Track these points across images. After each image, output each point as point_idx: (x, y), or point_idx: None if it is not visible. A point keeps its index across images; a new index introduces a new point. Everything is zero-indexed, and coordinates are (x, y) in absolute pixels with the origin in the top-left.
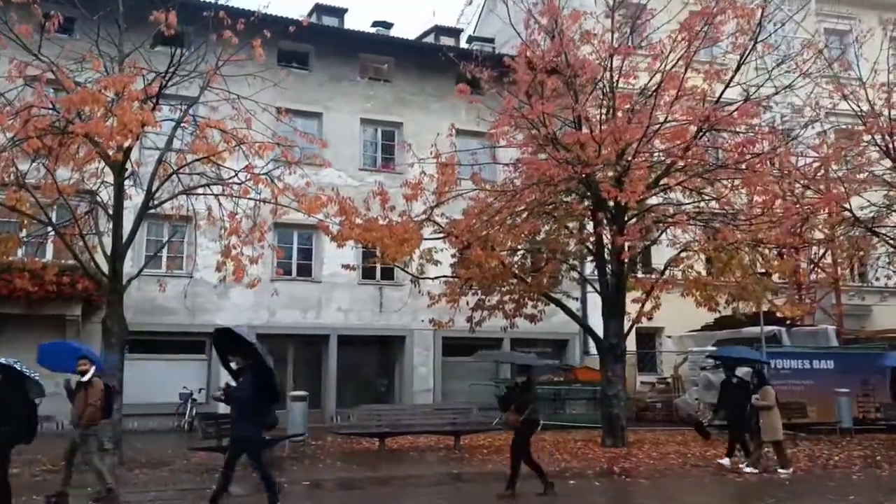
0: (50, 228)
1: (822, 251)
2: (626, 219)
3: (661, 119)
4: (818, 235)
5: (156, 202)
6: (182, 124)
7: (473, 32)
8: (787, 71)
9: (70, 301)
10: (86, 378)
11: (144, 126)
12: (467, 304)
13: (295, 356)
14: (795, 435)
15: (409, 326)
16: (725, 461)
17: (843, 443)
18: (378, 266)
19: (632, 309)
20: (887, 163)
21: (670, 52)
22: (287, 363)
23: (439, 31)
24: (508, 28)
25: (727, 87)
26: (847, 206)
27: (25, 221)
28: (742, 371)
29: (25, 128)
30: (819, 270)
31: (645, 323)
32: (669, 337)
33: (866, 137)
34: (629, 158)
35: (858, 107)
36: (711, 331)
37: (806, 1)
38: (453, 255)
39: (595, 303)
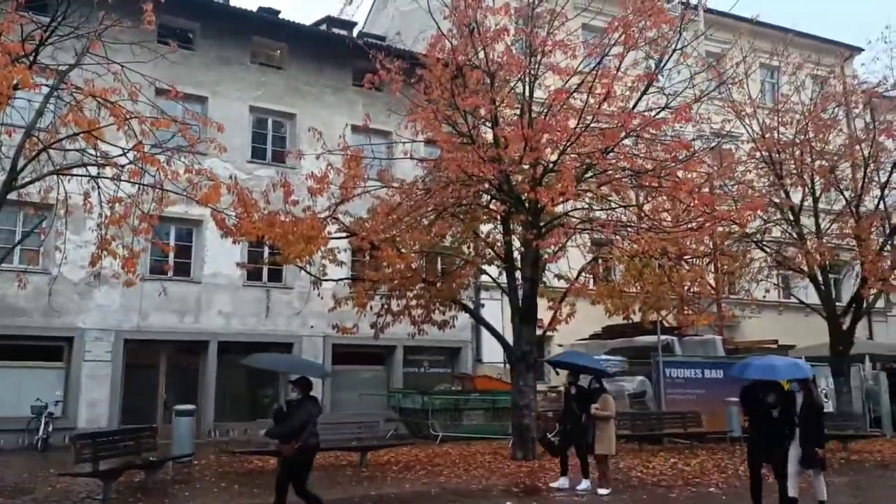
0: None
1: (705, 262)
2: (541, 223)
3: (588, 120)
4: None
5: (19, 184)
6: (56, 93)
7: (363, 28)
8: (688, 87)
9: None
10: None
11: (17, 88)
12: (371, 308)
13: (169, 364)
14: (692, 444)
15: (297, 333)
16: (561, 482)
17: (717, 453)
18: (265, 267)
19: (543, 316)
20: (766, 179)
21: (591, 52)
22: (159, 372)
23: (332, 22)
24: (399, 26)
25: (644, 92)
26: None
27: None
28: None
29: None
30: (701, 282)
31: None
32: (560, 346)
33: (757, 154)
34: (552, 159)
35: (750, 126)
36: (601, 339)
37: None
38: (354, 257)
39: (491, 310)
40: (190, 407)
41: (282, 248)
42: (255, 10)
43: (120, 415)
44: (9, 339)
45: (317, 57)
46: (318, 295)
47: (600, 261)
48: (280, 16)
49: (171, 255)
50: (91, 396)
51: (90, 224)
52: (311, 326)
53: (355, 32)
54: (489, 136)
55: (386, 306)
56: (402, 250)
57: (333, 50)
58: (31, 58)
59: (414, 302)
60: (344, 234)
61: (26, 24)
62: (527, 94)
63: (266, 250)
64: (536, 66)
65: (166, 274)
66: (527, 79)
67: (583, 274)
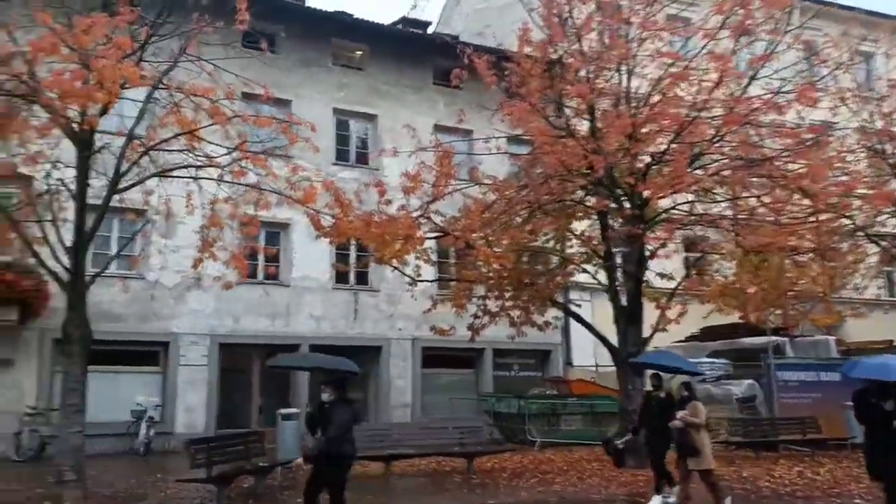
0: None
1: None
2: (645, 218)
3: (698, 106)
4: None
5: (122, 186)
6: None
7: (436, 29)
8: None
9: (4, 304)
10: None
11: (125, 85)
12: (466, 310)
13: (262, 367)
14: (812, 452)
15: (385, 335)
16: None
17: (842, 461)
18: (352, 270)
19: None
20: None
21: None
22: (252, 376)
23: (407, 22)
24: (474, 23)
25: (754, 77)
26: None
27: None
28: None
29: None
30: (818, 278)
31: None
32: (656, 349)
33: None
34: (659, 149)
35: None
36: (700, 341)
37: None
38: (440, 258)
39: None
40: (295, 411)
41: (377, 249)
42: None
43: (216, 419)
44: (107, 344)
45: (396, 57)
46: (412, 296)
47: (705, 258)
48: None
49: (261, 258)
50: (188, 401)
51: (182, 229)
52: (400, 329)
53: (430, 32)
54: (583, 129)
55: (483, 307)
56: (497, 249)
57: (413, 49)
58: (138, 55)
59: (511, 303)
60: (437, 234)
61: (133, 22)
62: (625, 82)
63: (353, 253)
64: (635, 54)
65: (266, 276)
66: (625, 67)
67: (688, 272)
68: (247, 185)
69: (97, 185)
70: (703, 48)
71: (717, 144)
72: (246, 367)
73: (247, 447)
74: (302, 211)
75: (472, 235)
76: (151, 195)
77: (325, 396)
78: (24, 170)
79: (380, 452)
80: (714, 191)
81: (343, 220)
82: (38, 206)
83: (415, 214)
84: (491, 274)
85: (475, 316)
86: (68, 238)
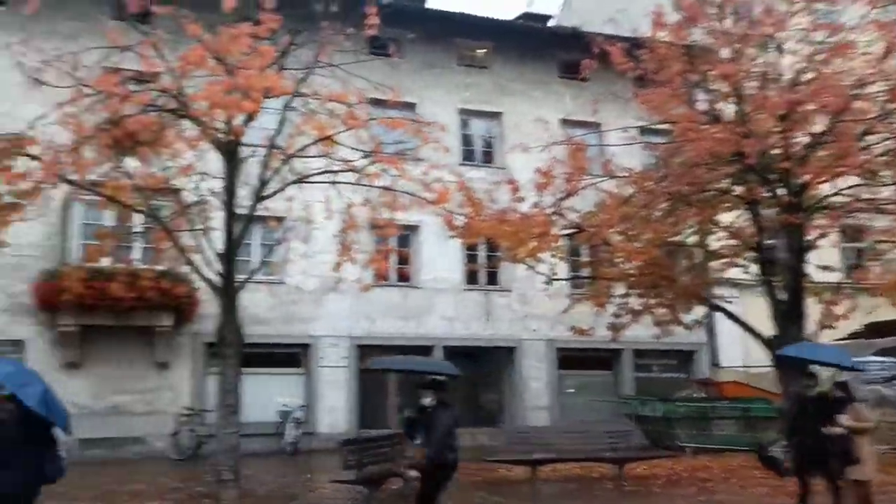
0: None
1: None
2: (803, 205)
3: (863, 84)
4: None
5: (266, 193)
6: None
7: (556, 22)
8: None
9: (160, 311)
10: None
11: (268, 94)
12: (605, 309)
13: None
14: None
15: (518, 336)
16: None
17: None
18: (482, 270)
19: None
20: None
21: None
22: (389, 375)
23: (528, 17)
24: (595, 15)
25: None
26: None
27: (123, 216)
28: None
29: (122, 104)
30: None
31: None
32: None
33: None
34: (817, 130)
35: None
36: (864, 338)
37: None
38: (572, 255)
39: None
40: None
41: (510, 247)
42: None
43: (358, 420)
44: (254, 346)
45: (520, 53)
46: (547, 296)
47: (873, 247)
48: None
49: (394, 260)
50: (330, 401)
51: (318, 234)
52: (534, 330)
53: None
54: (729, 113)
55: (625, 306)
56: (637, 245)
57: (536, 44)
58: (279, 64)
59: (654, 301)
60: (572, 230)
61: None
62: (774, 60)
63: (483, 252)
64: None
65: (399, 279)
66: (774, 43)
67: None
68: (382, 188)
69: (239, 195)
70: (865, 17)
71: (885, 121)
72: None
73: (393, 448)
74: (432, 212)
75: (609, 231)
76: (292, 201)
77: (426, 400)
78: (175, 182)
79: (526, 456)
80: (881, 173)
81: (476, 219)
82: (189, 216)
83: (548, 211)
84: (633, 271)
85: (616, 315)
86: (217, 246)
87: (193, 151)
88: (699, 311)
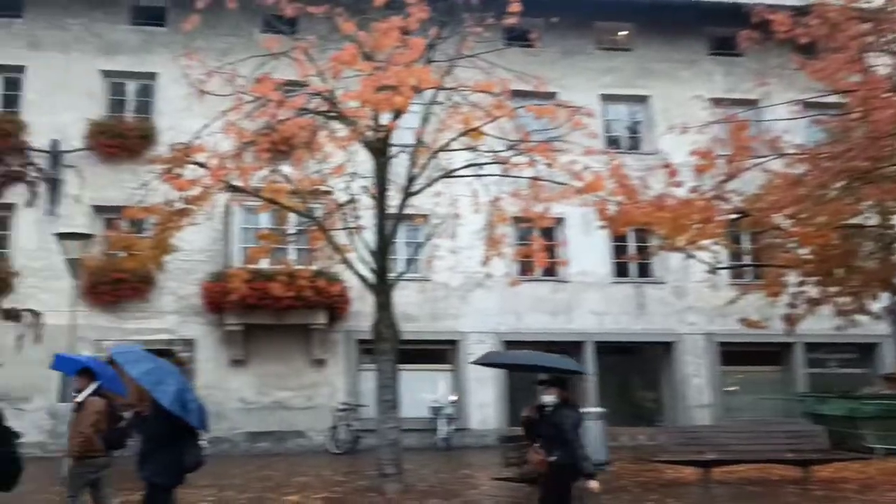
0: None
1: None
2: None
3: None
4: None
5: (413, 190)
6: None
7: None
8: None
9: (315, 309)
10: (80, 398)
11: (417, 89)
12: (770, 301)
13: None
14: None
15: (675, 330)
16: None
17: None
18: (634, 261)
19: None
20: None
21: None
22: (538, 374)
23: None
24: None
25: None
26: None
27: (280, 218)
28: None
29: (277, 110)
30: None
31: None
32: None
33: None
34: None
35: None
36: None
37: None
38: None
39: None
40: (599, 410)
41: (668, 235)
42: None
43: (509, 416)
44: (403, 343)
45: (665, 32)
46: (707, 286)
47: None
48: None
49: (540, 253)
50: (480, 398)
51: (463, 229)
52: (692, 323)
53: None
54: None
55: (801, 295)
56: (811, 228)
57: (683, 21)
58: (426, 57)
59: (835, 288)
60: (736, 215)
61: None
62: None
63: (632, 243)
64: None
65: (544, 273)
66: None
67: None
68: (530, 178)
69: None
70: None
71: None
72: None
73: None
74: (578, 203)
75: (779, 214)
76: (439, 196)
77: (547, 399)
78: (327, 183)
79: (698, 457)
80: None
81: (632, 206)
82: (341, 215)
83: (708, 196)
84: (810, 257)
85: (791, 305)
86: (369, 244)
87: (344, 152)
88: (883, 300)
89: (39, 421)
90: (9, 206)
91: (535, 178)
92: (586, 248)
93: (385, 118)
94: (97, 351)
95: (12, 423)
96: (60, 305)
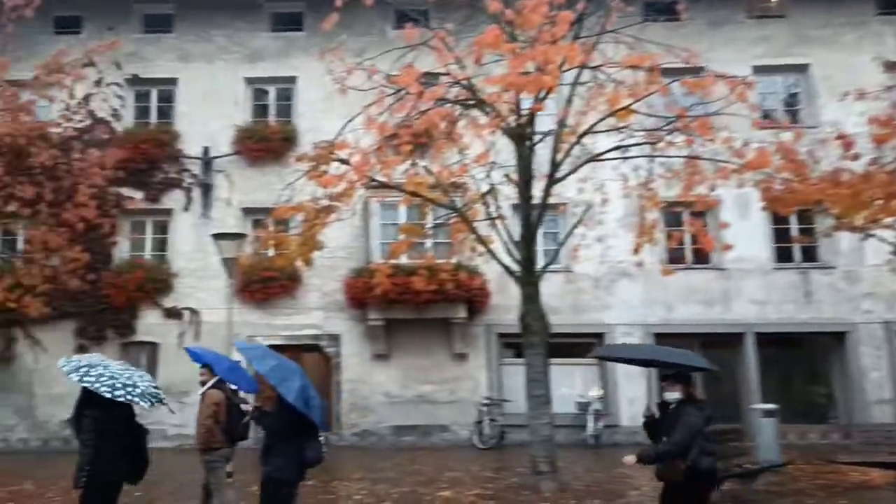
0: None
1: None
2: None
3: None
4: None
5: (558, 176)
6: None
7: None
8: None
9: (455, 303)
10: (201, 390)
11: (564, 67)
12: None
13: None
14: None
15: (847, 319)
16: None
17: None
18: (799, 244)
19: None
20: None
21: None
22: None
23: None
24: None
25: None
26: None
27: (421, 211)
28: None
29: (417, 101)
30: None
31: None
32: None
33: None
34: None
35: None
36: None
37: None
38: None
39: None
40: (772, 406)
41: (843, 214)
42: None
43: None
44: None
45: None
46: (889, 270)
47: None
48: None
49: (688, 240)
50: (629, 392)
51: (605, 217)
52: (868, 311)
53: None
54: None
55: None
56: None
57: None
58: (573, 33)
59: None
60: None
61: None
62: None
63: (795, 225)
64: None
65: (697, 260)
66: None
67: None
68: (687, 158)
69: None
70: None
71: None
72: None
73: (725, 445)
74: (735, 183)
75: None
76: (585, 182)
77: (670, 395)
78: (468, 173)
79: (891, 458)
80: None
81: (803, 183)
82: (482, 205)
83: (889, 168)
84: None
85: None
86: (513, 235)
87: (485, 141)
88: None
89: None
90: (167, 211)
91: (691, 158)
92: (743, 232)
93: (527, 103)
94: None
95: (178, 415)
96: (216, 303)
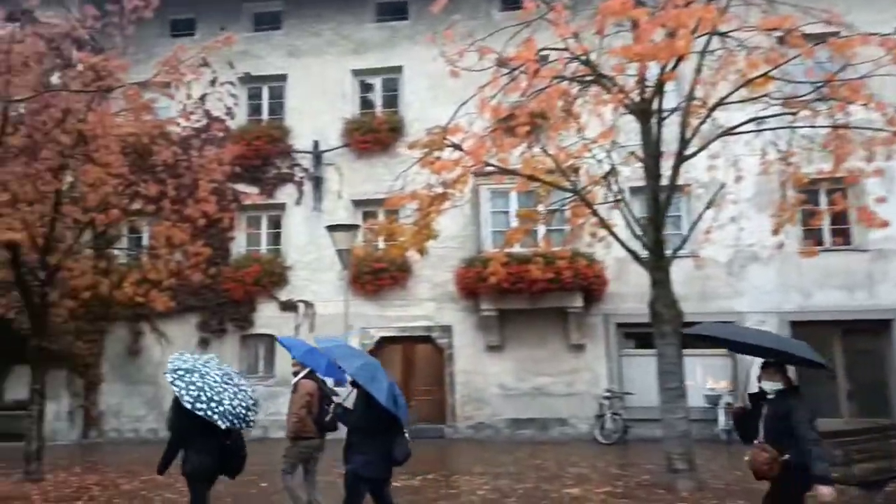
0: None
1: None
2: None
3: None
4: None
5: (688, 153)
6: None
7: None
8: None
9: (571, 292)
10: (294, 380)
11: (698, 31)
12: None
13: (844, 347)
14: None
15: None
16: None
17: None
18: None
19: None
20: None
21: None
22: (834, 355)
23: None
24: None
25: None
26: None
27: (541, 195)
28: None
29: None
30: None
31: None
32: None
33: None
34: None
35: None
36: None
37: None
38: None
39: None
40: None
41: None
42: None
43: None
44: None
45: None
46: None
47: None
48: None
49: (827, 220)
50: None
51: (731, 197)
52: None
53: None
54: None
55: None
56: None
57: None
58: None
59: None
60: None
61: None
62: None
63: None
64: None
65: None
66: None
67: None
68: (835, 128)
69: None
70: None
71: None
72: (824, 347)
73: (886, 443)
74: (882, 156)
75: None
76: (716, 159)
77: (769, 385)
78: (587, 154)
79: None
80: None
81: None
82: (602, 188)
83: None
84: None
85: None
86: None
87: (604, 120)
88: None
89: None
90: (281, 206)
91: (840, 127)
92: (890, 209)
93: (651, 76)
94: (364, 338)
95: None
96: (329, 296)
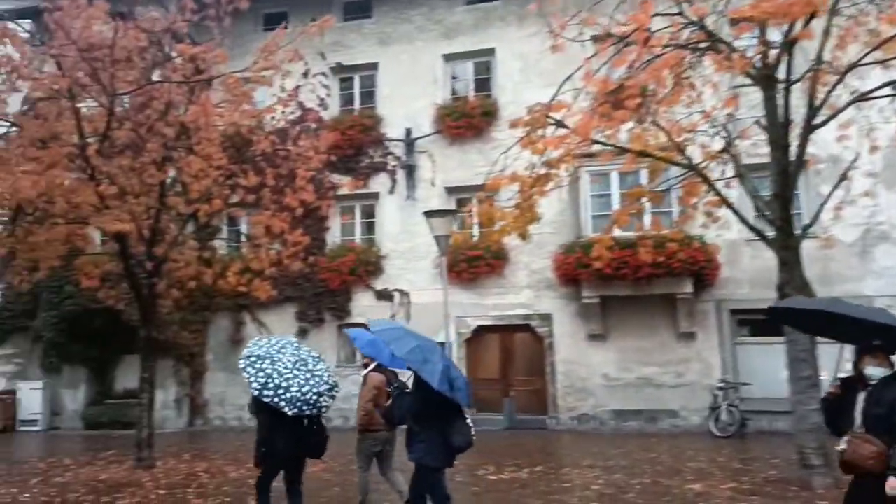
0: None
1: None
2: None
3: None
4: None
5: (816, 122)
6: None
7: None
8: None
9: (679, 277)
10: (363, 373)
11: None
12: None
13: None
14: None
15: None
16: None
17: None
18: None
19: None
20: None
21: None
22: None
23: None
24: None
25: None
26: None
27: (653, 173)
28: None
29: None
30: None
31: None
32: None
33: None
34: None
35: None
36: None
37: None
38: None
39: None
40: None
41: None
42: None
43: None
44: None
45: None
46: None
47: None
48: None
49: None
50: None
51: (856, 172)
52: None
53: None
54: None
55: None
56: None
57: None
58: None
59: None
60: None
61: None
62: None
63: None
64: None
65: None
66: None
67: None
68: None
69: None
70: None
71: None
72: None
73: None
74: None
75: None
76: (849, 128)
77: (873, 371)
78: (702, 126)
79: None
80: None
81: None
82: (719, 163)
83: None
84: None
85: None
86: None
87: (717, 90)
88: None
89: None
90: (374, 195)
91: None
92: None
93: (776, 36)
94: (460, 328)
95: None
96: (423, 284)
